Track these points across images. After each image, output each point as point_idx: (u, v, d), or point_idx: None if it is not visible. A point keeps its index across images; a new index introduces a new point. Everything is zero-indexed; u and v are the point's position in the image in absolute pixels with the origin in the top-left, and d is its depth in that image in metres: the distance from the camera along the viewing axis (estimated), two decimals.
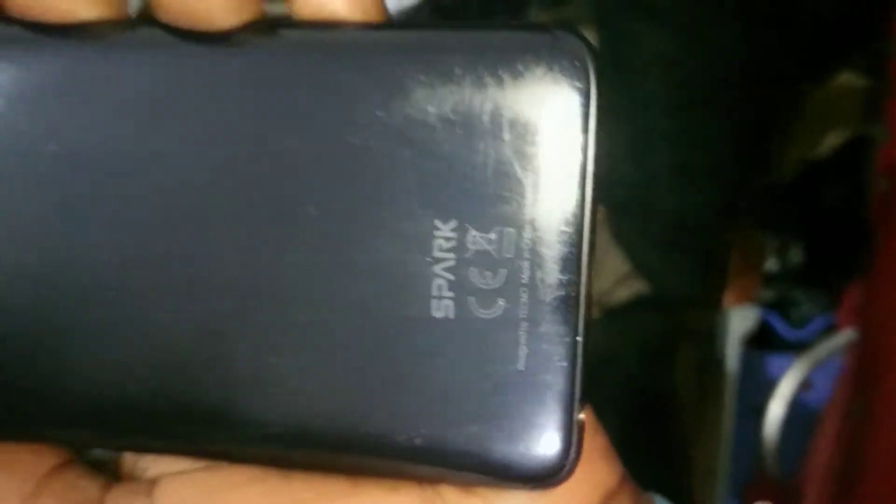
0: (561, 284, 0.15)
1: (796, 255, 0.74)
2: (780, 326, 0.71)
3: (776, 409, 0.63)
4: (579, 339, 0.15)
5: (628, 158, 0.62)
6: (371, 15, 0.15)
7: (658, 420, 0.72)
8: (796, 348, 0.66)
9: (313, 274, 0.15)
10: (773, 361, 0.69)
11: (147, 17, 0.15)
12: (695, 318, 0.72)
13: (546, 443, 0.15)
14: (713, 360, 0.71)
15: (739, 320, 0.70)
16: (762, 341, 0.71)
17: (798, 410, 0.63)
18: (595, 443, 0.18)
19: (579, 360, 0.15)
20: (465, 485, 0.16)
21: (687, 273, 0.72)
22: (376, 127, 0.15)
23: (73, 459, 0.18)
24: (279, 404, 0.16)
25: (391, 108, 0.15)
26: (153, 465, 0.18)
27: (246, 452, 0.17)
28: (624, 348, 0.71)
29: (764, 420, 0.63)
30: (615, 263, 0.78)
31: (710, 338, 0.71)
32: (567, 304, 0.15)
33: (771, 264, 0.73)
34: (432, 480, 0.16)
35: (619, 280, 0.77)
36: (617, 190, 0.65)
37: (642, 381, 0.70)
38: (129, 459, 0.19)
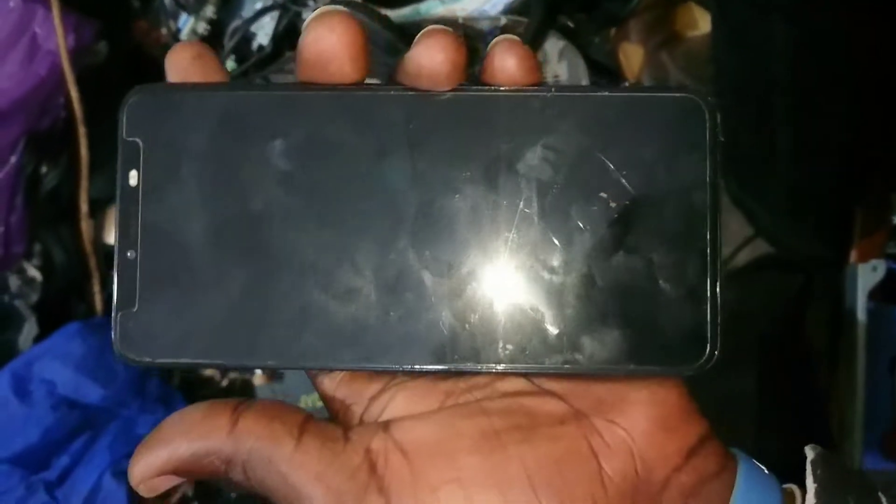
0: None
1: None
2: None
3: None
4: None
5: (749, 133, 0.64)
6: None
7: (793, 374, 0.74)
8: None
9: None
10: None
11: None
12: (822, 277, 0.74)
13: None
14: (844, 316, 0.72)
15: (867, 275, 0.71)
16: (891, 293, 0.72)
17: None
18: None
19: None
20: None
21: (810, 236, 0.74)
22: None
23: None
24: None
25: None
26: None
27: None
28: (753, 305, 0.74)
29: None
30: (734, 229, 0.80)
31: (839, 295, 0.73)
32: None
33: None
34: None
35: (740, 245, 0.80)
36: (737, 160, 0.68)
37: (775, 337, 0.73)
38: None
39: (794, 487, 0.25)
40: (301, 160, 0.24)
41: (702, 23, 0.82)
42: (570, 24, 0.82)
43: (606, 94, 0.24)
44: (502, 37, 0.24)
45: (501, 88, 0.24)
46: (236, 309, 0.24)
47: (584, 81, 0.80)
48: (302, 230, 0.24)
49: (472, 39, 0.79)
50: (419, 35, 0.23)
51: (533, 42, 0.76)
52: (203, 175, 0.24)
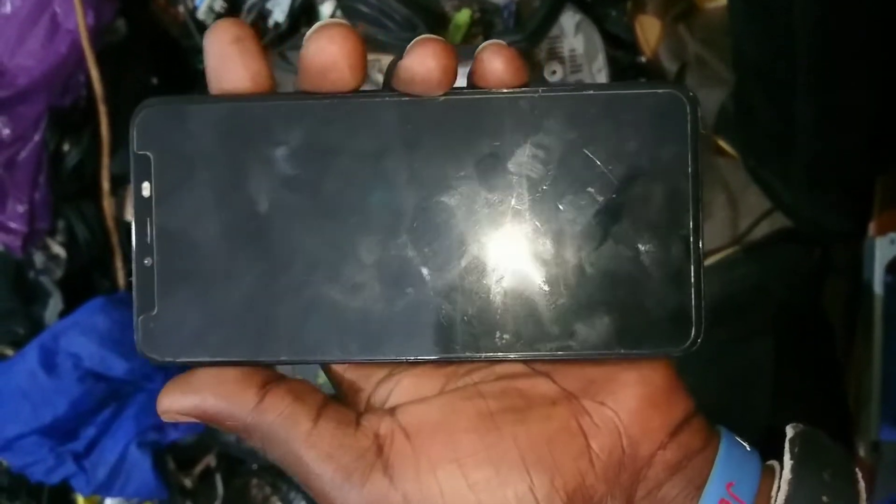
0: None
1: None
2: None
3: None
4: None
5: (768, 106, 0.64)
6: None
7: (811, 344, 0.74)
8: None
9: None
10: None
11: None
12: (840, 251, 0.73)
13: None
14: (861, 290, 0.72)
15: (885, 248, 0.71)
16: None
17: None
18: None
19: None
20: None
21: (828, 210, 0.73)
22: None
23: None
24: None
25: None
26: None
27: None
28: (771, 278, 0.73)
29: None
30: (753, 202, 0.80)
31: (857, 268, 0.73)
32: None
33: None
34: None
35: (758, 218, 0.79)
36: (756, 135, 0.68)
37: (793, 310, 0.73)
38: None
39: (776, 463, 0.26)
40: (304, 164, 0.25)
41: None
42: None
43: (591, 92, 0.25)
44: (489, 41, 0.25)
45: (491, 90, 0.25)
46: (248, 308, 0.25)
47: (601, 55, 0.79)
48: (306, 231, 0.26)
49: (487, 13, 0.79)
50: (411, 44, 0.24)
51: (549, 15, 0.76)
52: (212, 182, 0.25)
